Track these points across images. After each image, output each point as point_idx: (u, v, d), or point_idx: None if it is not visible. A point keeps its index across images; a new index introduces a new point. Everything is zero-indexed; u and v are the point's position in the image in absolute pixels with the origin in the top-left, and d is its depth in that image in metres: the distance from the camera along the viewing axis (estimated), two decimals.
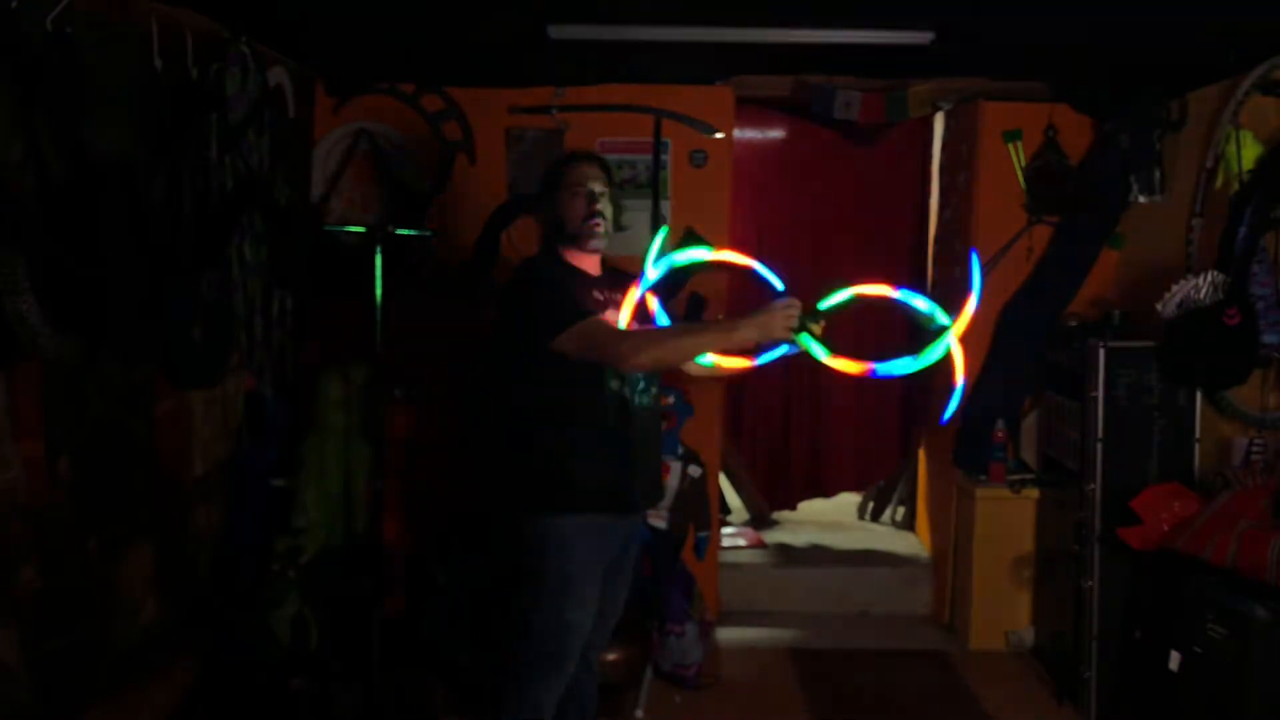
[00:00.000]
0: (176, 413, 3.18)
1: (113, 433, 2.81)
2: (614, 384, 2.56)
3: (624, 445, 2.60)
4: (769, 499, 5.24)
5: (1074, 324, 4.00)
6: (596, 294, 2.62)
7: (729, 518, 5.17)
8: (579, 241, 2.63)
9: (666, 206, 4.26)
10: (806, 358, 2.40)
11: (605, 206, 2.63)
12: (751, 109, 4.61)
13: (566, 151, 2.98)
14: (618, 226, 2.70)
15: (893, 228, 4.95)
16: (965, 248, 4.33)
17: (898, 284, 2.55)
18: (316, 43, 3.71)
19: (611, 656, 3.38)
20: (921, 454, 5.09)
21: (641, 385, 2.63)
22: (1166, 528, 3.22)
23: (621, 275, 2.73)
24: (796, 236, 4.92)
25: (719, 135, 4.21)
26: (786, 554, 4.89)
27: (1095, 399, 3.54)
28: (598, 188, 2.62)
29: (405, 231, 3.78)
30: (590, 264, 2.68)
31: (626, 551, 2.72)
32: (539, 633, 2.56)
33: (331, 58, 3.98)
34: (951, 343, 2.37)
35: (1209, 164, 3.53)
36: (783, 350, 2.54)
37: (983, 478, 4.19)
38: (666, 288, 3.17)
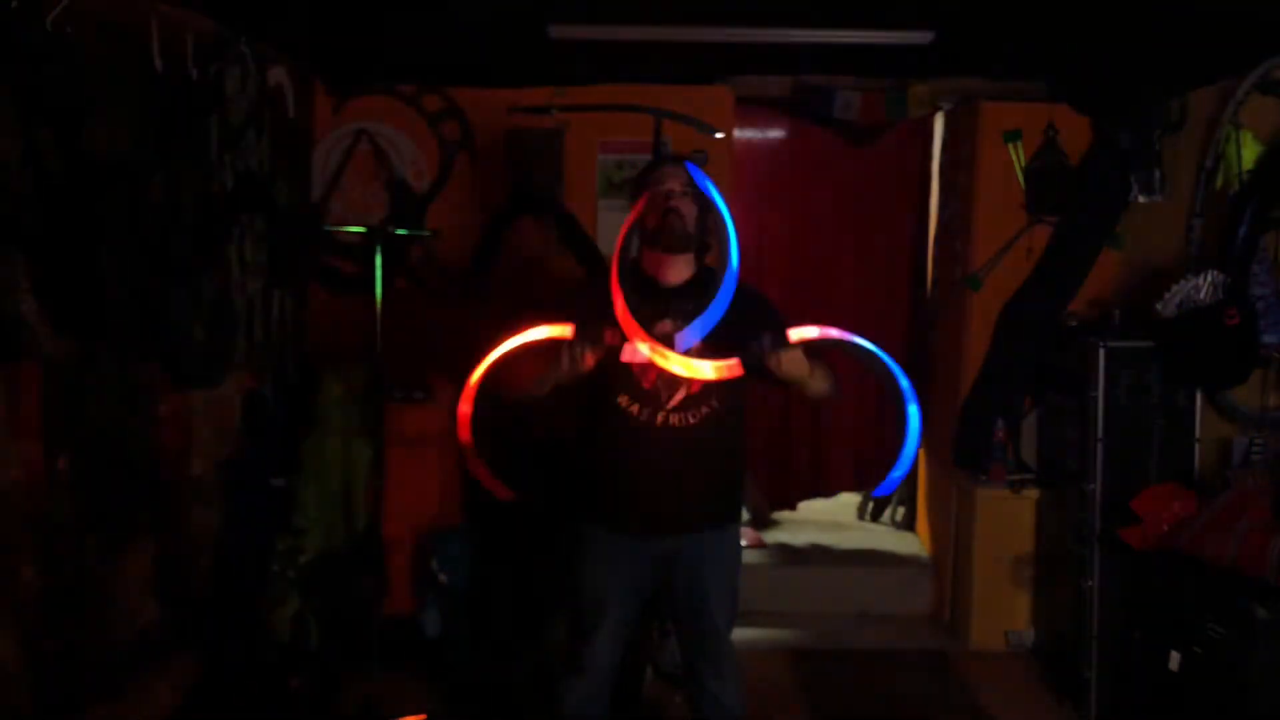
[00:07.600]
0: (178, 413, 3.18)
1: (112, 433, 2.81)
2: (621, 400, 2.47)
3: (634, 463, 2.50)
4: (769, 499, 5.24)
5: (1074, 324, 3.99)
6: (646, 308, 2.42)
7: None
8: (653, 240, 2.52)
9: None
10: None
11: (686, 206, 2.49)
12: (751, 109, 4.61)
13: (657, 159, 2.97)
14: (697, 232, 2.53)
15: (893, 228, 4.95)
16: (965, 248, 4.33)
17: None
18: (316, 43, 3.71)
19: None
20: (921, 454, 5.08)
21: (675, 404, 2.46)
22: (1166, 528, 3.22)
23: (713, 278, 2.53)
24: (797, 237, 4.91)
25: (719, 135, 4.20)
26: (786, 554, 4.88)
27: (1095, 399, 3.53)
28: (677, 188, 2.49)
29: (405, 231, 3.78)
30: (670, 272, 2.53)
31: (673, 573, 2.58)
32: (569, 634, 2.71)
33: (331, 58, 3.97)
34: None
35: (1209, 164, 3.53)
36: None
37: (983, 478, 4.19)
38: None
